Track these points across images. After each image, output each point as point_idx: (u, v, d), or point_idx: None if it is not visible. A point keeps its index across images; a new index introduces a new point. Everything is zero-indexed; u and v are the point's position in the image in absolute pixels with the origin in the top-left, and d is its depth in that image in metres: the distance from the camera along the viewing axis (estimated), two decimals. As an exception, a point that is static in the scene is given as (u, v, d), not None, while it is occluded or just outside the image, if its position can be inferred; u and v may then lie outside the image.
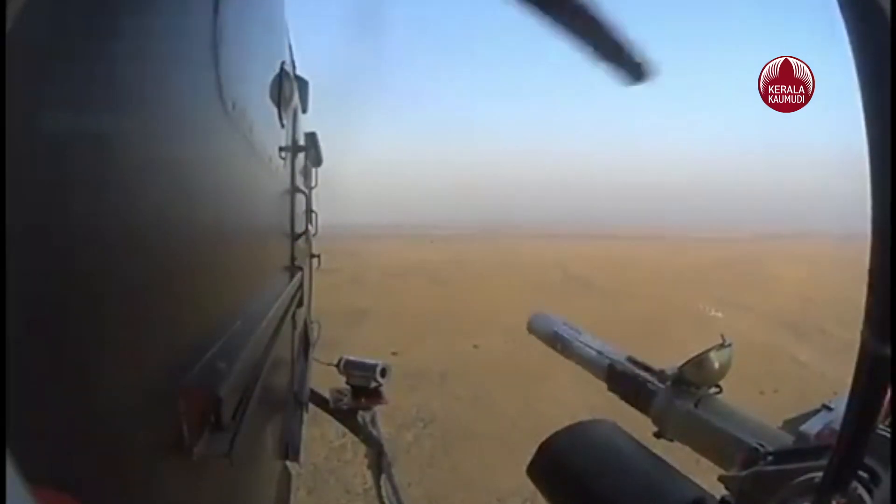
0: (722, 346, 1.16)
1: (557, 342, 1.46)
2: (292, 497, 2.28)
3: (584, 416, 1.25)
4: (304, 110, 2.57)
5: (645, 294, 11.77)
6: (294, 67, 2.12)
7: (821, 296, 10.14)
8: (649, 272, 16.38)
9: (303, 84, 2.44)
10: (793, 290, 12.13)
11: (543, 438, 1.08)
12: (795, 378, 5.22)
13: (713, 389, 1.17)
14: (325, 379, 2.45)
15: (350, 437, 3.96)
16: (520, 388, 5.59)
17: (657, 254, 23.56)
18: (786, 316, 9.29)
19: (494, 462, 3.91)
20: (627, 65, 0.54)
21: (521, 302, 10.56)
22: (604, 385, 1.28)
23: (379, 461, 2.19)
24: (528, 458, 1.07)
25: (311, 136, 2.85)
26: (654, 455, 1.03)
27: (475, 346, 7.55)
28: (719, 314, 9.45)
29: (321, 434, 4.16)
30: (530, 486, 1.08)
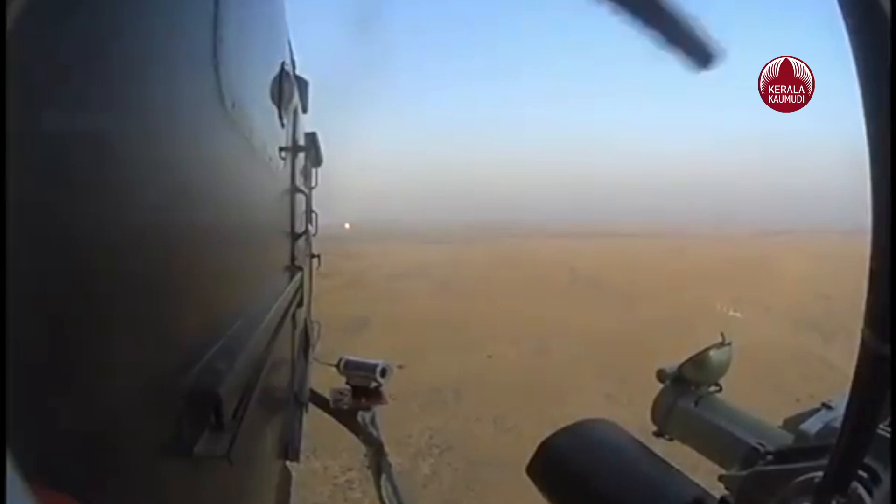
0: (722, 344, 1.17)
1: None
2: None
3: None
4: (304, 110, 2.57)
5: (658, 294, 11.29)
6: (294, 67, 2.12)
7: (837, 293, 9.55)
8: (658, 271, 15.91)
9: (303, 84, 2.44)
10: (807, 287, 11.69)
11: None
12: (828, 382, 4.79)
13: (713, 388, 1.17)
14: (325, 380, 2.41)
15: (357, 472, 3.55)
16: (543, 405, 4.89)
17: (663, 252, 23.12)
18: (807, 315, 8.89)
19: (525, 497, 3.45)
20: (695, 50, 0.52)
21: (532, 306, 10.21)
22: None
23: (379, 461, 2.19)
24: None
25: (311, 136, 2.84)
26: (655, 454, 1.02)
27: (489, 357, 6.91)
28: (738, 314, 9.12)
29: (324, 467, 3.69)
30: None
